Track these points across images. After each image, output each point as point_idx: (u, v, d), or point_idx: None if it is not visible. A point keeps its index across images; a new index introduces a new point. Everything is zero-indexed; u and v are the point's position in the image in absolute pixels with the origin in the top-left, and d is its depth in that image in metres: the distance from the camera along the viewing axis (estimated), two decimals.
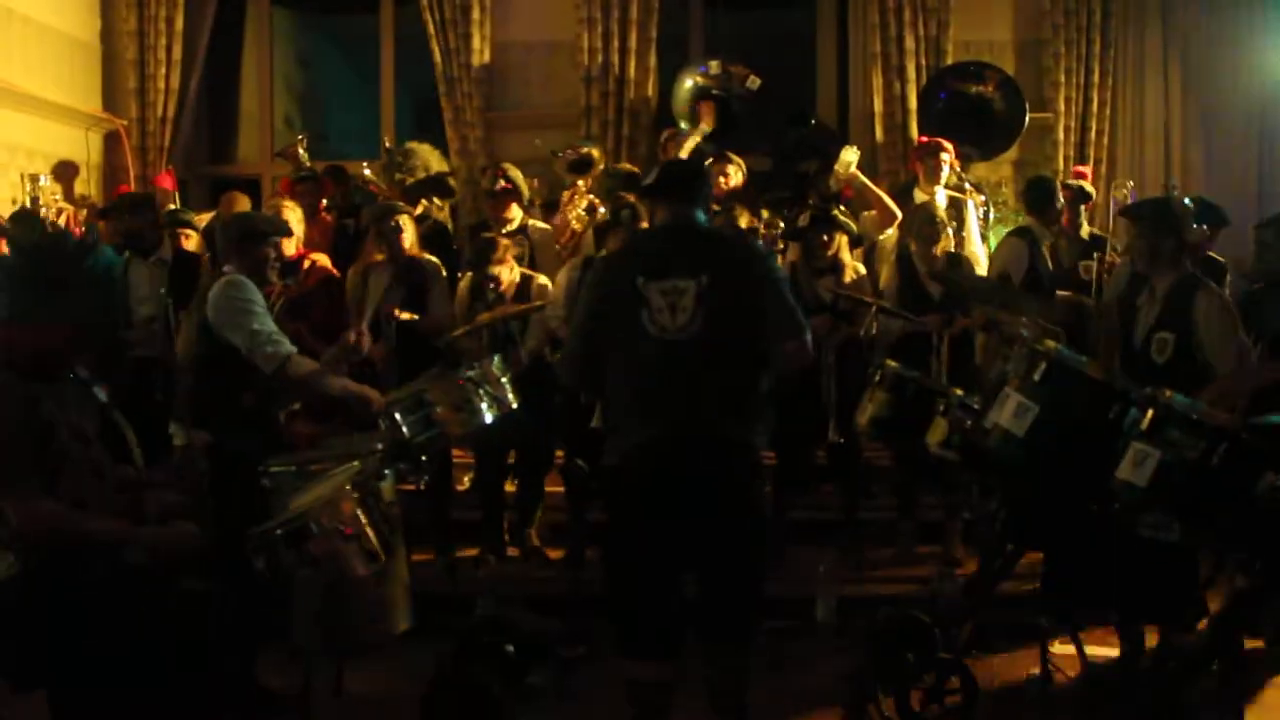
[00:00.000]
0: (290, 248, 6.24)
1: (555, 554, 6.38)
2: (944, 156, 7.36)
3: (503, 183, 7.09)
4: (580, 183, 7.42)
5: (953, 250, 6.59)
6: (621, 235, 5.97)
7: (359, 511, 3.54)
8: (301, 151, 8.39)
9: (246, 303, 4.64)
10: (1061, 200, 6.91)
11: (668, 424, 3.66)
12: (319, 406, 5.39)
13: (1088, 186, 7.41)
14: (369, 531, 3.57)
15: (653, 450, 3.67)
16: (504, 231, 6.79)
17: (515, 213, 7.06)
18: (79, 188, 8.92)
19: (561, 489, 6.40)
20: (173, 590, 3.34)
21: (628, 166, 7.90)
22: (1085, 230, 7.09)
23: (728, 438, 3.70)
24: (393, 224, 6.37)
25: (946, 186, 7.41)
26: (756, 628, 3.88)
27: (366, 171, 8.06)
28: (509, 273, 6.32)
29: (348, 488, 3.59)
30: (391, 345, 6.17)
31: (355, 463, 3.82)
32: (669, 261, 3.74)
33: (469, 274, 6.51)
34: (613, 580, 3.83)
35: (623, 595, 3.80)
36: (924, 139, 7.78)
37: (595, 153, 7.63)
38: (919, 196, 7.21)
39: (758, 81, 8.34)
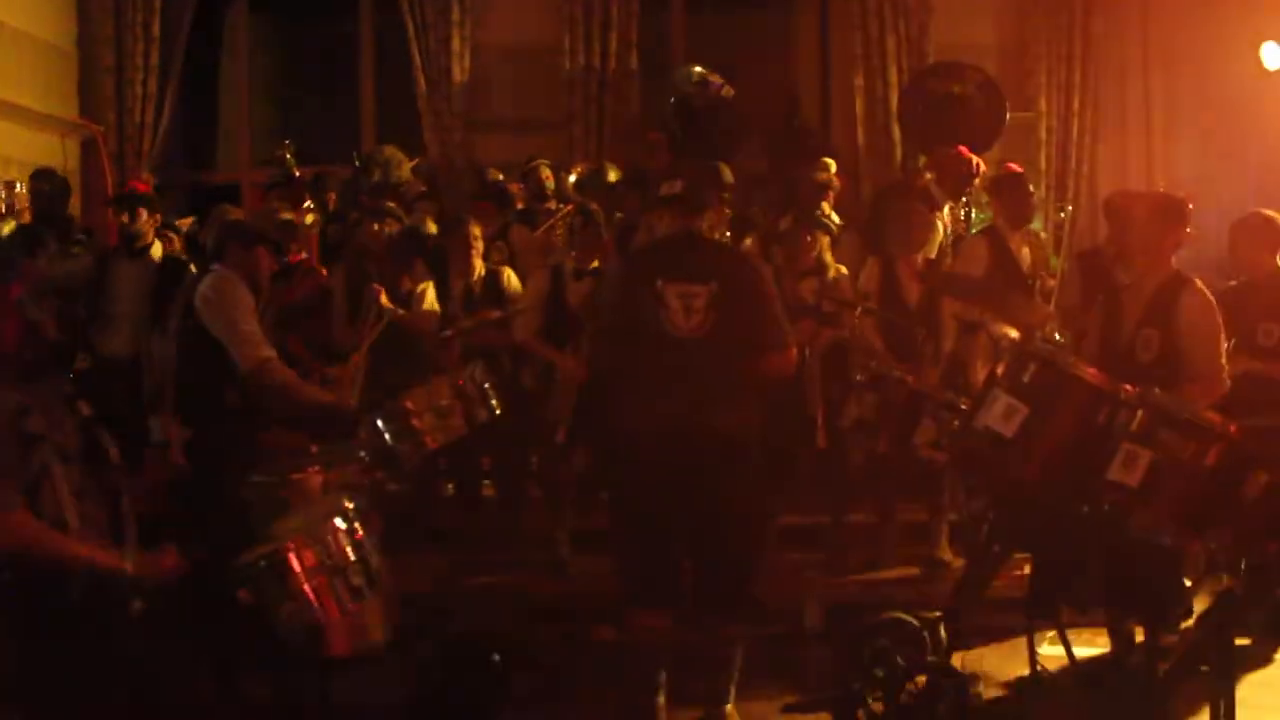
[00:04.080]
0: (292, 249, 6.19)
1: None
2: (975, 183, 7.22)
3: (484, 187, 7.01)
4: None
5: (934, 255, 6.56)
6: (589, 235, 6.22)
7: (346, 547, 3.46)
8: (288, 158, 8.32)
9: (235, 300, 4.58)
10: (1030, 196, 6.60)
11: (673, 410, 4.18)
12: (295, 416, 5.31)
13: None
14: (355, 567, 3.48)
15: (658, 431, 4.20)
16: (485, 235, 6.72)
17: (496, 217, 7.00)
18: None
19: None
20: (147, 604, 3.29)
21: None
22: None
23: (723, 426, 4.21)
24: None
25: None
26: (752, 604, 4.38)
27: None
28: (480, 265, 6.27)
29: (337, 522, 3.48)
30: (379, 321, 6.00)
31: (345, 500, 3.71)
32: (685, 267, 4.26)
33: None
34: (622, 539, 4.46)
35: (630, 552, 4.39)
36: (965, 155, 7.18)
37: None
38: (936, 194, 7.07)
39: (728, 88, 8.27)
